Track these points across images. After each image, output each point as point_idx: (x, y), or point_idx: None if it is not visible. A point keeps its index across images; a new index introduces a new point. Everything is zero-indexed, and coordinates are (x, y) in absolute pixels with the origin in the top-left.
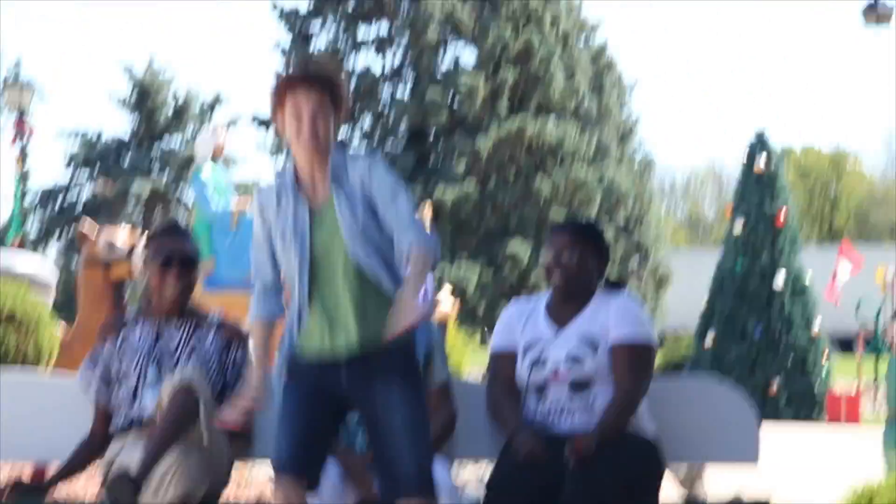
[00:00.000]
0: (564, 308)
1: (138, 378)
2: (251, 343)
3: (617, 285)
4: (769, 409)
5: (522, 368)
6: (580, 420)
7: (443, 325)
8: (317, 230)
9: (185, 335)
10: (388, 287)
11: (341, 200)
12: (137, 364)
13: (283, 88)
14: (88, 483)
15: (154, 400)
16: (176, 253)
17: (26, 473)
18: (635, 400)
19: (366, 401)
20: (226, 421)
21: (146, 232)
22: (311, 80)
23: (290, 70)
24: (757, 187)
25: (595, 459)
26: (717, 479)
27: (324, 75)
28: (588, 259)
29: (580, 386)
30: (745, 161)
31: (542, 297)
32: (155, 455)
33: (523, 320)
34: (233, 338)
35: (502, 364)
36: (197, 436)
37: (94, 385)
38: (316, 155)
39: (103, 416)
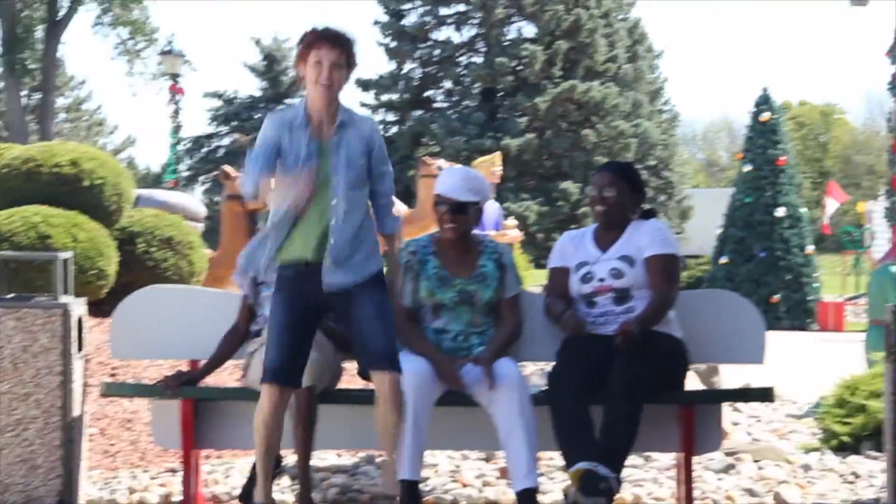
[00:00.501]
0: (607, 235)
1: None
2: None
3: (649, 213)
4: (771, 320)
5: (574, 282)
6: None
7: (510, 249)
8: (321, 160)
9: None
10: (360, 213)
11: (347, 141)
12: None
13: (311, 41)
14: (230, 377)
15: None
16: None
17: (183, 368)
18: (669, 299)
19: (343, 299)
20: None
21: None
22: (333, 39)
23: (318, 30)
24: (762, 135)
25: (637, 348)
26: (730, 376)
27: (343, 37)
28: (625, 194)
29: (622, 297)
30: (752, 113)
31: (590, 228)
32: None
33: (574, 245)
34: None
35: (556, 276)
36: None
37: (246, 284)
38: (327, 98)
39: (248, 312)
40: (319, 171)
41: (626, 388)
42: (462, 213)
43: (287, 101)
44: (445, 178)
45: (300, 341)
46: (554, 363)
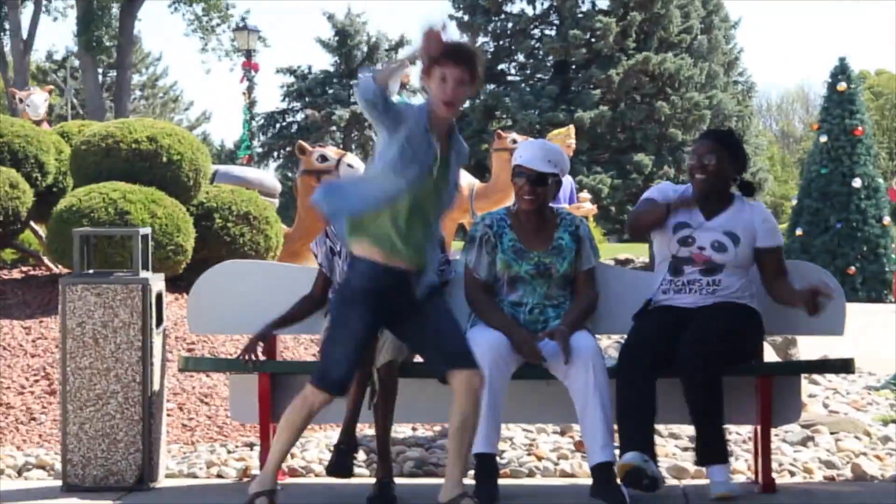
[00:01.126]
0: (708, 203)
1: None
2: None
3: (749, 186)
4: (847, 291)
5: (672, 242)
6: (701, 299)
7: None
8: (434, 170)
9: None
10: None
11: (454, 159)
12: None
13: (441, 55)
14: (307, 352)
15: None
16: None
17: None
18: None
19: (422, 302)
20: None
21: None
22: (458, 56)
23: (450, 46)
24: (839, 105)
25: (715, 313)
26: (806, 348)
27: (468, 54)
28: (725, 161)
29: (711, 271)
30: (829, 83)
31: (686, 188)
32: (353, 413)
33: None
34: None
35: (650, 203)
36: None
37: (322, 253)
38: (446, 116)
39: (324, 280)
40: (431, 181)
41: (696, 355)
42: (541, 185)
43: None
44: (525, 149)
45: (366, 354)
46: (630, 330)
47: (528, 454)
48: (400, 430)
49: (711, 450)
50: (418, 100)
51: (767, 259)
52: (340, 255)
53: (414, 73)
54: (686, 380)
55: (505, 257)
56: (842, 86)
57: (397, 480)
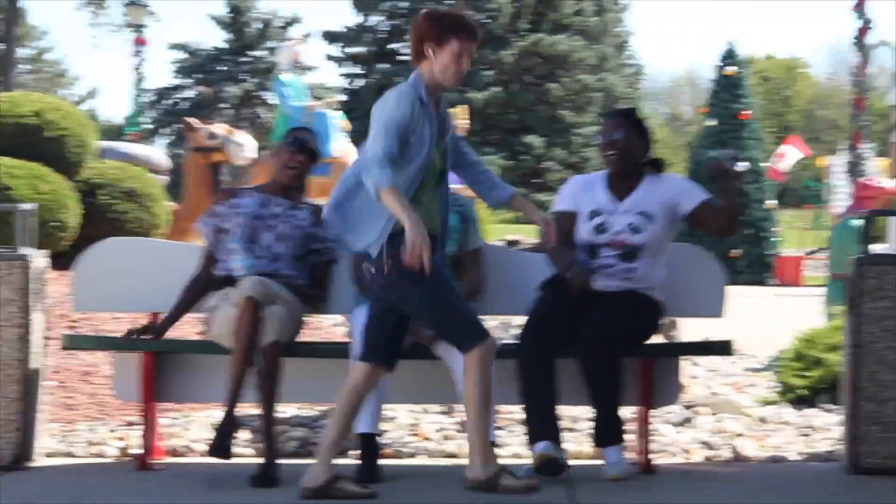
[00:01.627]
0: (621, 184)
1: (238, 240)
2: (398, 202)
3: (658, 164)
4: (731, 274)
5: (586, 230)
6: (617, 284)
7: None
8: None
9: (286, 209)
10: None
11: (448, 120)
12: (241, 225)
13: (457, 31)
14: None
15: (246, 260)
16: (307, 143)
17: (144, 321)
18: (737, 218)
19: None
20: (407, 264)
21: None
22: (476, 36)
23: (465, 20)
24: (726, 90)
25: (624, 300)
26: (689, 330)
27: (479, 34)
28: (634, 137)
29: (629, 256)
30: (717, 67)
31: (601, 174)
32: (235, 393)
33: (586, 189)
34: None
35: (563, 221)
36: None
37: (208, 232)
38: (453, 87)
39: (208, 259)
40: (438, 154)
41: (599, 338)
42: None
43: (251, 52)
44: None
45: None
46: (529, 314)
47: (412, 434)
48: (283, 410)
49: (608, 430)
50: (307, 78)
51: (706, 215)
52: (229, 235)
53: (304, 51)
54: (587, 361)
55: None
56: (729, 70)
57: (281, 461)
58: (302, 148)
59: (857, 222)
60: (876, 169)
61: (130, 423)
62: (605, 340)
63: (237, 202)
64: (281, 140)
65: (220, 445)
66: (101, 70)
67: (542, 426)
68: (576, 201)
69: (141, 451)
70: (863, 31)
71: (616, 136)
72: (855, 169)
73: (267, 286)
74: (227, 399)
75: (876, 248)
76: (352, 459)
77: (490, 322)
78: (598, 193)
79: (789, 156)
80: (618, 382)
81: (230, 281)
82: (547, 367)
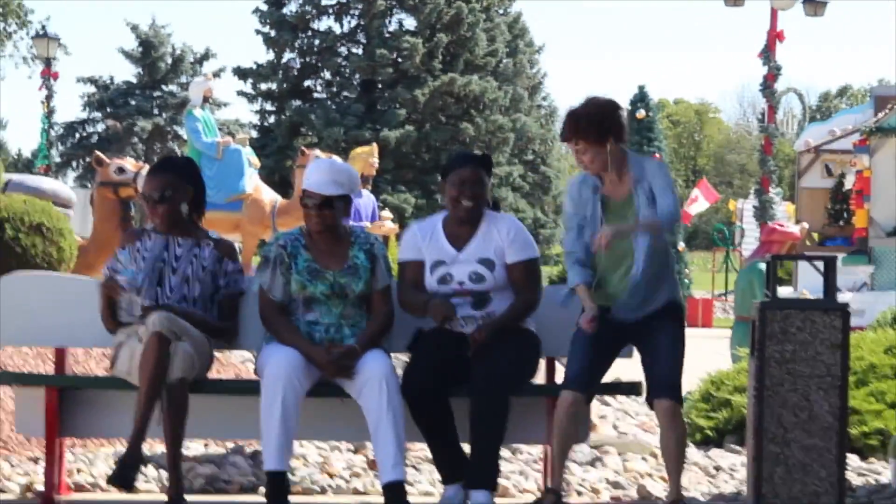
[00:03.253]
0: (459, 230)
1: (144, 281)
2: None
3: (495, 205)
4: None
5: (431, 282)
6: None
7: (385, 241)
8: None
9: (186, 251)
10: None
11: None
12: (145, 269)
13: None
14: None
15: (152, 297)
16: (153, 192)
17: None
18: (532, 303)
19: None
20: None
21: (146, 163)
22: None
23: None
24: (637, 133)
25: (497, 342)
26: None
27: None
28: (487, 187)
29: (481, 301)
30: (628, 110)
31: (437, 219)
32: (141, 428)
33: (427, 238)
34: (225, 253)
35: (410, 270)
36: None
37: (108, 275)
38: None
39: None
40: None
41: (488, 382)
42: (328, 208)
43: (162, 87)
44: (311, 172)
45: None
46: (408, 359)
47: (321, 472)
48: (191, 447)
49: (483, 474)
50: (219, 114)
51: (511, 273)
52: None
53: (216, 87)
54: (478, 404)
55: (300, 278)
56: (640, 113)
57: (188, 497)
58: (158, 200)
59: (763, 266)
60: (785, 213)
61: (34, 459)
62: (495, 383)
63: (140, 245)
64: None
65: (122, 476)
66: (9, 102)
67: (450, 467)
68: (416, 249)
69: (44, 487)
70: (770, 76)
71: (478, 189)
72: (764, 213)
73: (174, 322)
74: (133, 433)
75: (782, 291)
76: (260, 497)
77: (397, 359)
78: (440, 242)
79: (700, 201)
80: (503, 426)
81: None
82: (440, 410)
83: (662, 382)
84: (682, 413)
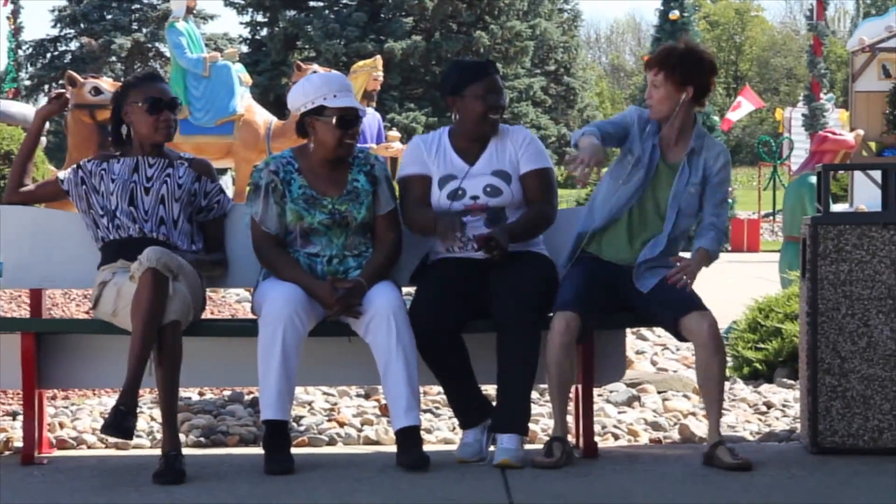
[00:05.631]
0: (469, 145)
1: (117, 204)
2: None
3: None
4: None
5: (440, 199)
6: None
7: (393, 163)
8: None
9: (158, 170)
10: None
11: None
12: (115, 191)
13: None
14: (78, 309)
15: (130, 224)
16: (163, 96)
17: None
18: (548, 216)
19: None
20: None
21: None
22: None
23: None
24: (671, 36)
25: (517, 268)
26: None
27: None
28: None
29: (496, 218)
30: (660, 11)
31: (442, 133)
32: (137, 374)
33: (432, 152)
34: (202, 171)
35: (416, 185)
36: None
37: (68, 177)
38: None
39: (55, 187)
40: None
41: (518, 314)
42: (358, 124)
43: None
44: (327, 85)
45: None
46: (415, 292)
47: (329, 420)
48: (185, 396)
49: (514, 417)
50: (205, 28)
51: (525, 183)
52: (104, 202)
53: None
54: (507, 336)
55: (296, 207)
56: (674, 14)
57: (184, 451)
58: (165, 106)
59: (813, 178)
60: (838, 121)
61: (12, 414)
62: (524, 312)
63: (111, 166)
64: (131, 100)
65: (119, 424)
66: None
67: (470, 413)
68: (422, 163)
69: (23, 444)
70: None
71: (504, 98)
72: (814, 122)
73: (170, 257)
74: (127, 378)
75: (836, 207)
76: (258, 449)
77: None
78: (449, 157)
79: (744, 107)
80: (535, 363)
81: (118, 250)
82: (455, 347)
83: (683, 301)
84: (726, 343)
